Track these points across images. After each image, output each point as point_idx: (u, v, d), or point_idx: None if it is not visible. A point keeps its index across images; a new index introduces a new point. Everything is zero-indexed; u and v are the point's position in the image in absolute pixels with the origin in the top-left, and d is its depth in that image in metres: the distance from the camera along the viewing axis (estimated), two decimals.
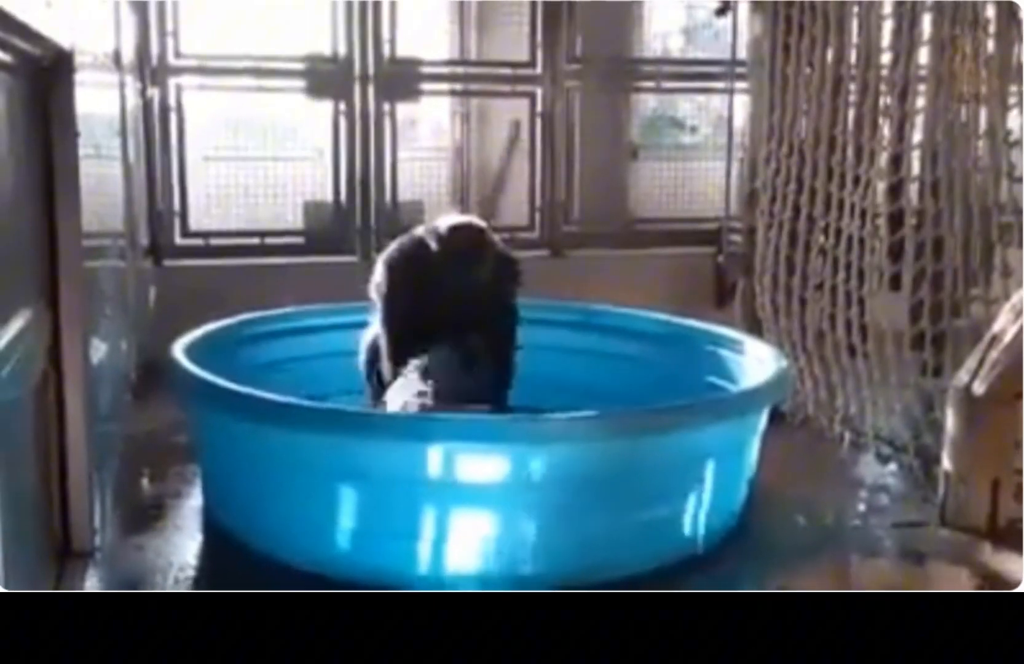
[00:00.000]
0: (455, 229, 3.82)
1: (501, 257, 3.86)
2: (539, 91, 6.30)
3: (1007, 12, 3.77)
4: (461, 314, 3.74)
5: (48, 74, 2.90)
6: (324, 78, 5.97)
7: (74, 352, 3.05)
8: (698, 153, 6.94)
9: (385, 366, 3.89)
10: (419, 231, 3.94)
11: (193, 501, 3.79)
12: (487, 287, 3.79)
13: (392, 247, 3.96)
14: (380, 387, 3.94)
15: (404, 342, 3.77)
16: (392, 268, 3.86)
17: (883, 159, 4.44)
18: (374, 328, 4.03)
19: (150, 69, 5.65)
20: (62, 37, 2.81)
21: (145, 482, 4.02)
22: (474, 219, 4.02)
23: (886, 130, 4.42)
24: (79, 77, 3.00)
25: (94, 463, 3.16)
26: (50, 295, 2.97)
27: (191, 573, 3.30)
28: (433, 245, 3.77)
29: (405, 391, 3.61)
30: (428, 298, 3.72)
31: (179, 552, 3.42)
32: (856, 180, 4.49)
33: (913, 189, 4.33)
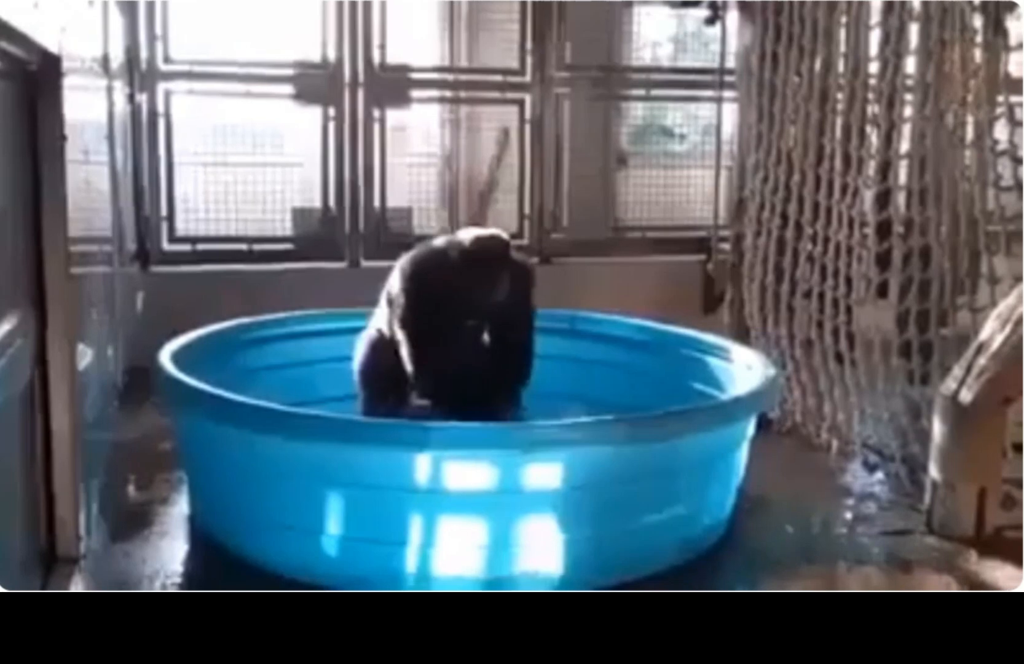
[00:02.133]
0: (479, 240, 3.82)
1: (517, 267, 3.88)
2: (528, 98, 6.31)
3: (993, 22, 3.79)
4: (477, 324, 3.78)
5: (35, 78, 2.88)
6: (313, 84, 5.97)
7: (61, 357, 3.03)
8: (687, 161, 6.95)
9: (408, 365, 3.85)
10: (438, 241, 3.93)
11: (180, 508, 3.78)
12: (505, 298, 3.82)
13: (410, 254, 3.91)
14: (377, 393, 3.92)
15: (422, 346, 3.77)
16: (412, 276, 3.81)
17: (871, 167, 4.46)
18: (371, 332, 3.98)
19: (139, 74, 5.64)
20: (50, 41, 2.80)
21: (132, 488, 4.01)
22: (497, 232, 4.02)
23: (874, 139, 4.44)
24: (67, 81, 2.99)
25: (80, 469, 3.15)
26: (37, 300, 2.95)
27: (177, 580, 3.28)
28: (455, 256, 3.76)
29: None
30: (446, 307, 3.72)
31: (165, 559, 3.41)
32: (844, 188, 4.50)
33: (901, 198, 4.35)
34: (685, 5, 6.45)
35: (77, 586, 3.05)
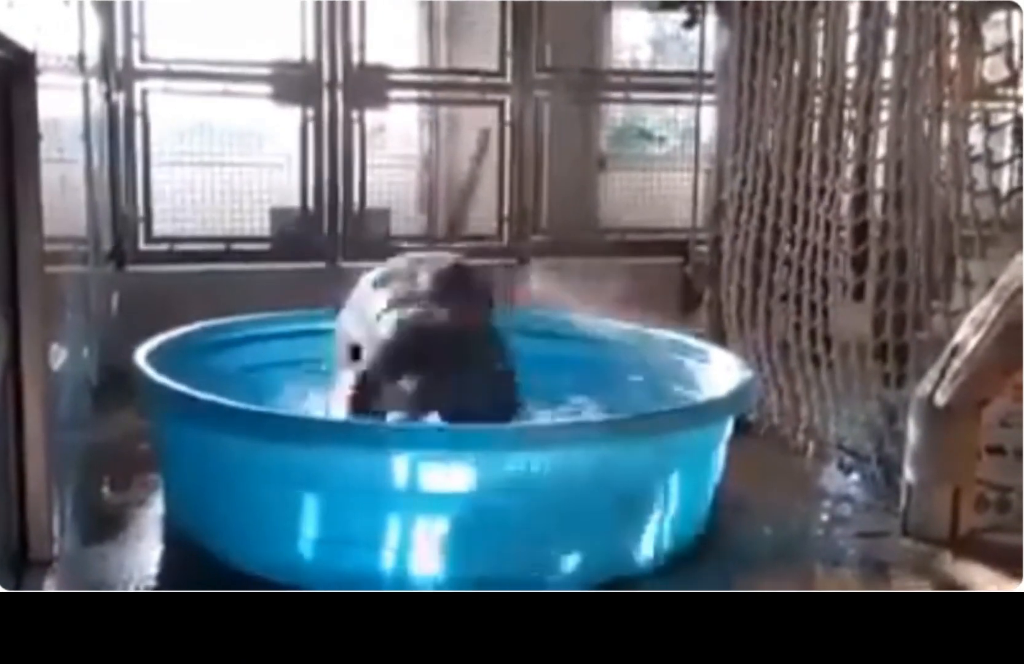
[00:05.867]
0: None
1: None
2: (508, 100, 6.31)
3: (970, 27, 3.82)
4: None
5: (10, 76, 2.86)
6: (292, 84, 5.94)
7: (34, 358, 3.01)
8: (666, 164, 6.97)
9: None
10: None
11: (155, 510, 3.75)
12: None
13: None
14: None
15: None
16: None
17: (848, 171, 4.49)
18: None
19: (115, 72, 5.60)
20: (24, 38, 2.78)
21: (106, 490, 3.97)
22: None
23: (851, 143, 4.46)
24: (42, 79, 2.97)
25: (54, 471, 3.12)
26: (10, 301, 2.93)
27: (152, 583, 3.26)
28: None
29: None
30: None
31: (141, 561, 3.38)
32: (821, 192, 4.53)
33: (877, 201, 4.38)
34: (664, 8, 6.48)
35: (49, 589, 3.02)
